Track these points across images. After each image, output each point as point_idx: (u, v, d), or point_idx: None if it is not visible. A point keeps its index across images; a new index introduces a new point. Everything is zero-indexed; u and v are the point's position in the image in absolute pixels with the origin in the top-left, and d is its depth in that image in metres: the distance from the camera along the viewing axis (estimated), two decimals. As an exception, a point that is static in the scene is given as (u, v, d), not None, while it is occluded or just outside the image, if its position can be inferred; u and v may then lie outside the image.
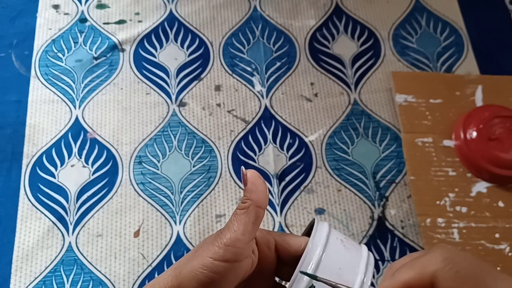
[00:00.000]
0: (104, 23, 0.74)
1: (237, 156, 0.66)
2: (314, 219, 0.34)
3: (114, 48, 0.72)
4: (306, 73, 0.72)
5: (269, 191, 0.64)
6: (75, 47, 0.72)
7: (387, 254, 0.61)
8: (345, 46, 0.74)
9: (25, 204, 0.61)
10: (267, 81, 0.71)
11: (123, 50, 0.72)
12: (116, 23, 0.74)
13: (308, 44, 0.74)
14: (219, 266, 0.28)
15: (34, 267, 0.58)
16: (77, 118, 0.67)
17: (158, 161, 0.65)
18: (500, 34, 0.77)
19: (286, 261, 0.33)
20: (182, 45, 0.73)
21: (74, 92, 0.69)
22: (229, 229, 0.29)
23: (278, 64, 0.72)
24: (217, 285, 0.28)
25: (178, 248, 0.60)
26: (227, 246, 0.28)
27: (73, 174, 0.63)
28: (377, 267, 0.60)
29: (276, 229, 0.61)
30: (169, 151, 0.66)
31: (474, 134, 0.64)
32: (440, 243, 0.29)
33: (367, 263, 0.30)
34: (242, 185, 0.64)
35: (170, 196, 0.63)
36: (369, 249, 0.60)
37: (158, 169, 0.64)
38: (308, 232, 0.35)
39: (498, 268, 0.59)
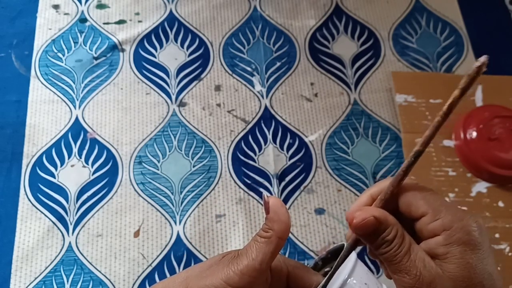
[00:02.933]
0: (104, 23, 0.74)
1: (237, 156, 0.66)
2: (342, 246, 0.33)
3: (114, 48, 0.72)
4: (306, 73, 0.72)
5: (269, 191, 0.64)
6: (75, 47, 0.72)
7: (387, 254, 0.61)
8: (345, 46, 0.74)
9: (25, 204, 0.61)
10: (267, 81, 0.71)
11: (123, 50, 0.72)
12: (116, 23, 0.74)
13: (308, 44, 0.74)
14: None
15: (34, 267, 0.58)
16: (77, 118, 0.67)
17: (158, 161, 0.65)
18: (500, 34, 0.77)
19: None
20: (182, 45, 0.73)
21: (74, 92, 0.69)
22: (247, 255, 0.28)
23: (278, 64, 0.72)
24: None
25: (178, 248, 0.60)
26: (243, 274, 0.28)
27: (73, 174, 0.63)
28: (377, 267, 0.60)
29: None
30: (169, 151, 0.66)
31: (474, 134, 0.64)
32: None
33: None
34: (242, 185, 0.64)
35: (170, 196, 0.63)
36: (369, 249, 0.60)
37: (158, 169, 0.64)
38: (331, 256, 0.34)
39: (498, 268, 0.59)
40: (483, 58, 0.25)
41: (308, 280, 0.32)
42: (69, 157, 0.65)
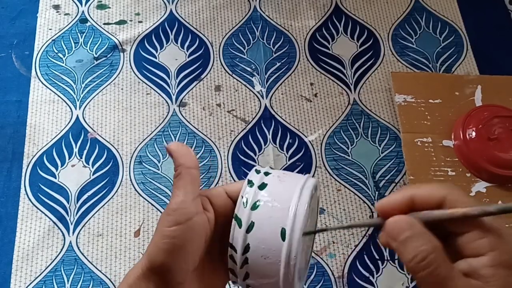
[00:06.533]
0: (104, 24, 0.74)
1: (237, 156, 0.66)
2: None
3: (115, 48, 0.72)
4: (306, 73, 0.72)
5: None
6: (75, 47, 0.72)
7: (386, 254, 0.61)
8: (344, 47, 0.74)
9: (26, 204, 0.61)
10: (267, 81, 0.71)
11: (123, 51, 0.72)
12: (116, 23, 0.75)
13: (308, 45, 0.74)
14: (175, 230, 0.29)
15: (35, 267, 0.58)
16: (77, 118, 0.67)
17: (159, 161, 0.65)
18: (500, 34, 0.77)
19: None
20: (182, 46, 0.73)
21: (74, 92, 0.69)
22: (172, 197, 0.31)
23: (278, 64, 0.72)
24: (182, 249, 0.30)
25: (178, 248, 0.60)
26: (175, 211, 0.30)
27: (73, 174, 0.64)
28: (377, 266, 0.60)
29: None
30: (169, 151, 0.66)
31: (474, 134, 0.64)
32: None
33: (302, 187, 0.31)
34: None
35: (170, 196, 0.63)
36: (369, 249, 0.60)
37: (158, 169, 0.65)
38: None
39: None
40: None
41: (240, 187, 0.34)
42: (69, 157, 0.65)
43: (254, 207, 0.31)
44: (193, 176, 0.31)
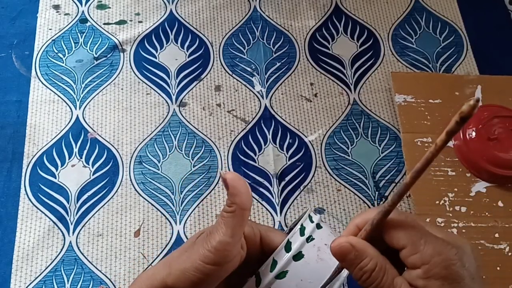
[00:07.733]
0: (104, 24, 0.74)
1: (237, 156, 0.66)
2: (305, 213, 0.34)
3: (115, 48, 0.72)
4: (305, 74, 0.72)
5: (269, 190, 0.64)
6: (75, 47, 0.72)
7: (386, 254, 0.61)
8: (344, 47, 0.74)
9: (26, 204, 0.61)
10: (267, 81, 0.71)
11: (123, 51, 0.72)
12: (116, 23, 0.75)
13: (308, 45, 0.74)
14: (210, 269, 0.29)
15: (35, 267, 0.58)
16: (77, 118, 0.67)
17: (159, 161, 0.65)
18: (500, 34, 0.77)
19: (269, 254, 0.34)
20: (182, 46, 0.73)
21: (74, 92, 0.69)
22: (217, 232, 0.30)
23: (278, 64, 0.72)
24: (208, 283, 0.30)
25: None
26: (217, 250, 0.29)
27: (73, 174, 0.64)
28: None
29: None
30: (169, 151, 0.66)
31: (474, 134, 0.64)
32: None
33: (332, 280, 0.31)
34: (242, 185, 0.64)
35: (170, 196, 0.63)
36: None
37: (158, 169, 0.65)
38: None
39: (498, 268, 0.59)
40: (474, 101, 0.24)
41: (279, 240, 0.34)
42: (69, 157, 0.65)
43: (280, 276, 0.30)
44: (245, 219, 0.31)
